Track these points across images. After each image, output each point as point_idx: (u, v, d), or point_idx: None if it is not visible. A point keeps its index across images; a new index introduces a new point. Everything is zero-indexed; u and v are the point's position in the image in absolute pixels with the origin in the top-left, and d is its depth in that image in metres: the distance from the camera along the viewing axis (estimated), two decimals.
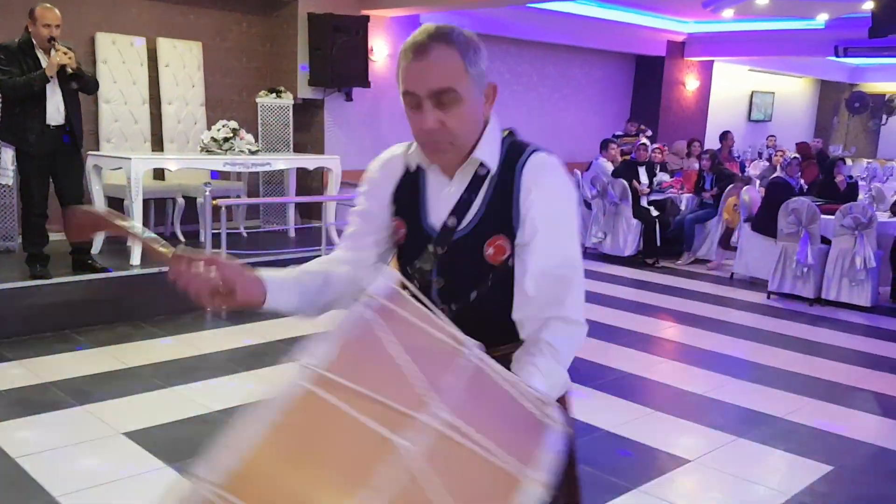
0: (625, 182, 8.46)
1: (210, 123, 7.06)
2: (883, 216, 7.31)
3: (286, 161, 7.12)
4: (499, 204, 1.52)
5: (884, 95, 16.33)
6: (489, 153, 1.53)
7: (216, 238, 6.05)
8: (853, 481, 3.62)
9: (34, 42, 5.07)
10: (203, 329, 5.52)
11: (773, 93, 15.63)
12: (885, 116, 16.51)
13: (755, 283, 7.58)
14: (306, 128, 8.13)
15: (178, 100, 7.25)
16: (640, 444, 3.13)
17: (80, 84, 5.18)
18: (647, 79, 12.40)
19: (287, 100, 7.55)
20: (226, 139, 6.57)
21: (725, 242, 8.44)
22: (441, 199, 1.57)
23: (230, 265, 1.40)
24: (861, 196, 8.46)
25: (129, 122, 6.93)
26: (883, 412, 4.54)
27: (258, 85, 7.77)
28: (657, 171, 8.98)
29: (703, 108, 13.02)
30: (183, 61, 7.28)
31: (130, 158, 5.83)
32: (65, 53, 5.00)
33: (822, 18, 10.29)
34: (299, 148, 7.95)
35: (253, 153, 6.69)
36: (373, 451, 0.92)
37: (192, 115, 7.35)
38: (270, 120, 7.46)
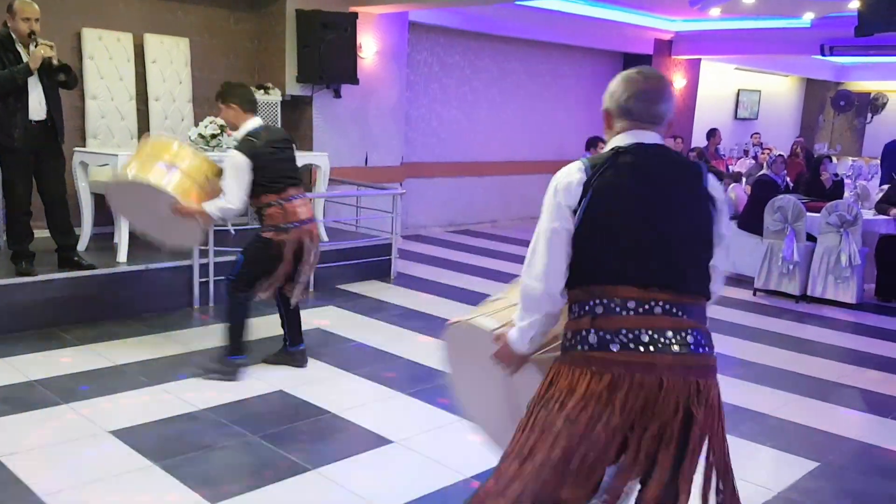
0: None
1: (197, 120, 7.02)
2: (868, 214, 7.37)
3: None
4: None
5: (869, 94, 16.44)
6: None
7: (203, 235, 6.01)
8: (839, 477, 3.65)
9: (14, 37, 5.02)
10: (190, 327, 5.50)
11: (760, 91, 15.71)
12: (870, 115, 16.61)
13: (741, 281, 7.63)
14: (295, 125, 8.10)
15: (165, 96, 7.21)
16: None
17: (68, 76, 5.12)
18: None
19: (275, 97, 7.52)
20: (213, 135, 6.54)
21: None
22: None
23: None
24: (846, 194, 8.52)
25: (115, 118, 6.88)
26: (868, 408, 4.58)
27: (246, 81, 7.72)
28: None
29: (691, 105, 13.08)
30: (170, 57, 7.23)
31: (117, 155, 5.79)
32: (50, 47, 4.95)
33: (808, 17, 10.34)
34: None
35: None
36: None
37: (180, 112, 7.31)
38: (259, 117, 7.41)
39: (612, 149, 2.07)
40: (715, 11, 10.00)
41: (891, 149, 10.39)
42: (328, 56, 7.63)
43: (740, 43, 11.86)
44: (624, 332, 1.94)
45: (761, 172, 8.70)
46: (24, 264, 5.21)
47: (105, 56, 6.84)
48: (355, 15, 7.84)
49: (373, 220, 7.85)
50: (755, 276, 7.33)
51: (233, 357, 4.49)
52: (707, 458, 2.04)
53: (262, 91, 7.39)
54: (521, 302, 2.12)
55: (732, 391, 4.62)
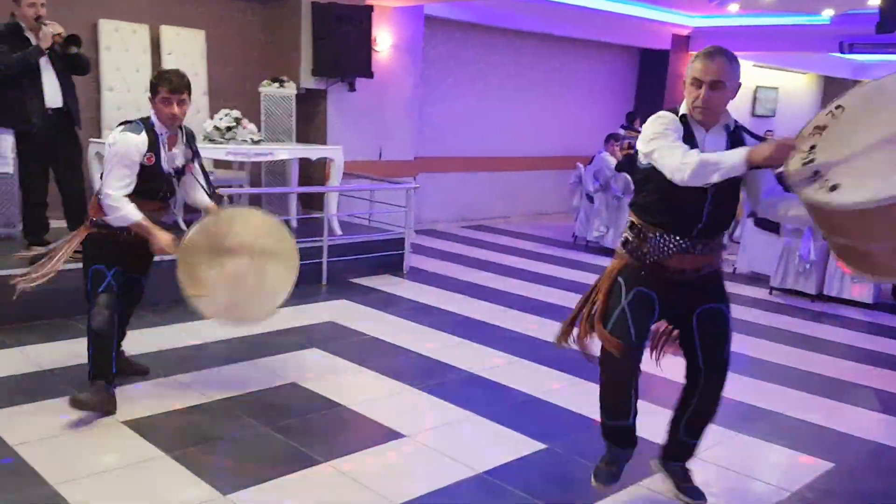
0: (628, 176, 8.43)
1: (212, 112, 7.03)
2: None
3: (289, 151, 7.09)
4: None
5: None
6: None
7: None
8: (853, 478, 3.61)
9: (22, 25, 5.03)
10: (203, 318, 5.50)
11: (777, 88, 15.59)
12: None
13: (757, 279, 7.57)
14: (309, 118, 8.11)
15: None
16: (639, 438, 3.13)
17: (79, 46, 5.04)
18: (652, 72, 12.35)
19: (290, 89, 7.51)
20: (228, 128, 6.55)
21: (728, 236, 8.43)
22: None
23: None
24: None
25: (131, 109, 6.89)
26: (884, 409, 4.53)
27: (261, 74, 7.73)
28: None
29: None
30: (186, 49, 7.25)
31: None
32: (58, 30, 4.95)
33: (827, 14, 10.24)
34: (302, 138, 7.93)
35: (255, 143, 6.66)
36: None
37: (195, 104, 7.28)
38: (273, 109, 7.43)
39: None
40: (733, 7, 9.93)
41: None
42: (343, 49, 7.62)
43: (758, 39, 11.76)
44: None
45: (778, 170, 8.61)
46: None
47: (121, 47, 6.87)
48: (371, 8, 7.83)
49: (386, 215, 7.85)
50: (771, 274, 7.27)
51: None
52: None
53: (277, 84, 7.39)
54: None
55: (747, 389, 4.59)
